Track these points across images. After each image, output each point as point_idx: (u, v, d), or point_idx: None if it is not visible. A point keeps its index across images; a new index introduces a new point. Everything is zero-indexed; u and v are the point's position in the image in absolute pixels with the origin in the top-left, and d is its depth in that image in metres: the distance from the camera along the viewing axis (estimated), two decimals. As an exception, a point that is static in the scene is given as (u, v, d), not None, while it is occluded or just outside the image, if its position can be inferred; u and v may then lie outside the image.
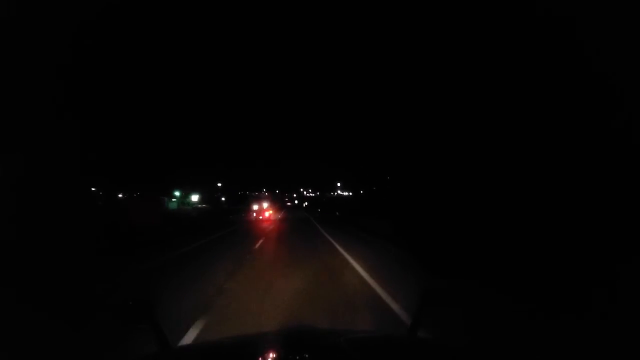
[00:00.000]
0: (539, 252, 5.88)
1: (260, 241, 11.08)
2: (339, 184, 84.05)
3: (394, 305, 3.91)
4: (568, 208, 7.93)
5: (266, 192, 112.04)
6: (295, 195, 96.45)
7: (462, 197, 13.26)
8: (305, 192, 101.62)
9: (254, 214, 29.08)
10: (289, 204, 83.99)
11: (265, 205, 40.94)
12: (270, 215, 29.56)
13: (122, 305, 1.14)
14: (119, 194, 49.09)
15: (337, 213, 31.34)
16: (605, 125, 8.20)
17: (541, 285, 4.22)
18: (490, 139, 12.53)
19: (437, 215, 13.26)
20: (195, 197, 49.15)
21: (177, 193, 39.42)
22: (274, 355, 0.96)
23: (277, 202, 61.80)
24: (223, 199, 66.39)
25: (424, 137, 19.60)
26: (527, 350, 2.59)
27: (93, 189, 35.99)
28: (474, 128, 13.81)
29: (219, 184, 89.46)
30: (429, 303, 1.21)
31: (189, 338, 2.95)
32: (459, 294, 3.56)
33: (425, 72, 19.64)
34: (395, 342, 1.21)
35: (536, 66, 10.44)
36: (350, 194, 73.03)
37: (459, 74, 15.03)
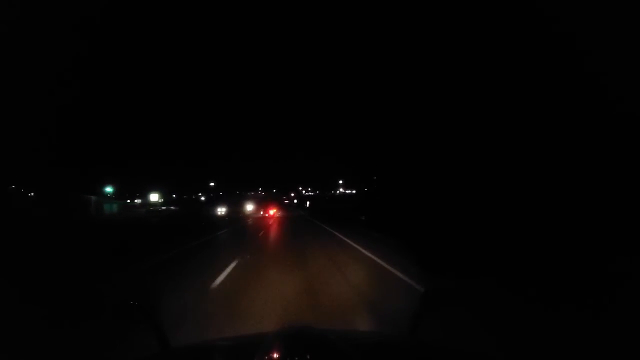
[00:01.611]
0: (539, 249, 5.96)
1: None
2: (341, 182, 75.81)
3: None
4: (566, 205, 8.14)
5: (262, 191, 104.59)
6: (293, 194, 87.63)
7: (469, 195, 12.86)
8: (304, 191, 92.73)
9: (262, 213, 28.61)
10: (286, 201, 76.84)
11: (250, 207, 33.91)
12: (275, 213, 28.44)
13: (124, 305, 1.16)
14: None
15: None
16: (604, 125, 8.36)
17: (541, 282, 4.23)
18: (493, 136, 12.51)
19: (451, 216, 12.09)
20: (154, 197, 39.92)
21: (109, 189, 28.93)
22: (274, 356, 0.93)
23: (272, 202, 54.43)
24: (203, 198, 57.87)
25: (427, 130, 18.82)
26: (528, 350, 2.59)
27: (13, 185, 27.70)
28: (478, 125, 13.63)
29: (212, 183, 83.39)
30: (428, 304, 1.23)
31: None
32: (459, 295, 3.18)
33: (427, 66, 19.31)
34: (395, 343, 1.22)
35: (534, 66, 10.74)
36: (354, 191, 67.40)
37: (464, 71, 14.99)
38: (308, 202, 61.27)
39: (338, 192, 76.93)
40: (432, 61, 18.72)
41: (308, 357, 0.92)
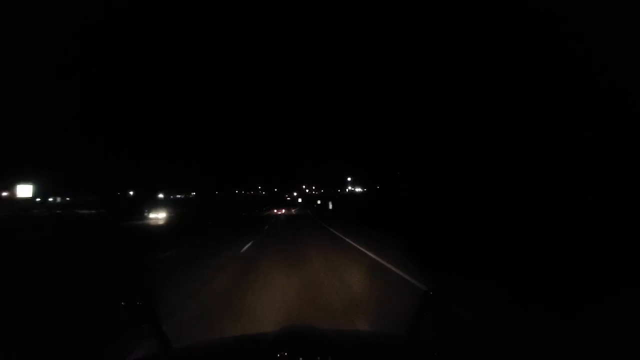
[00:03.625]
0: (540, 251, 6.22)
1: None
2: (349, 179, 62.46)
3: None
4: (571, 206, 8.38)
5: (262, 190, 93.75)
6: (296, 194, 74.99)
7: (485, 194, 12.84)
8: (307, 190, 79.60)
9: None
10: (288, 198, 65.65)
11: (161, 215, 26.88)
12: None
13: (126, 305, 1.17)
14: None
15: None
16: (608, 126, 8.61)
17: (542, 283, 4.38)
18: (502, 137, 12.59)
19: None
20: (24, 190, 26.86)
21: None
22: (274, 356, 0.93)
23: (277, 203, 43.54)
24: (129, 193, 43.90)
25: (440, 124, 18.38)
26: (528, 349, 2.59)
27: None
28: (487, 125, 13.68)
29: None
30: (428, 304, 1.24)
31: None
32: (459, 295, 3.50)
33: (438, 64, 19.13)
34: (395, 343, 1.22)
35: (540, 66, 10.83)
36: (365, 190, 54.85)
37: (473, 72, 15.14)
38: (330, 204, 46.40)
39: (347, 190, 63.76)
40: (442, 60, 18.33)
41: (309, 357, 0.91)
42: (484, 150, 13.75)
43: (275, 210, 31.44)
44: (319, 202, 51.59)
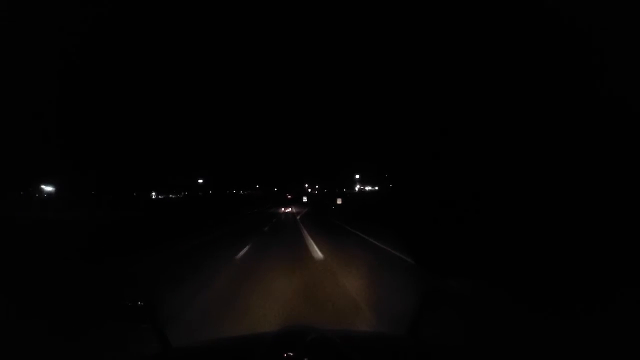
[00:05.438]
0: (540, 251, 6.07)
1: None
2: (357, 176, 60.03)
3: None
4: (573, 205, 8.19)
5: (261, 190, 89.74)
6: (298, 192, 71.58)
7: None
8: (310, 190, 76.55)
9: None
10: (289, 197, 62.19)
11: None
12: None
13: (125, 305, 1.17)
14: None
15: None
16: (609, 123, 8.38)
17: (541, 283, 4.30)
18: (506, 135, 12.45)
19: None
20: None
21: None
22: (273, 356, 0.96)
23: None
24: (50, 188, 30.64)
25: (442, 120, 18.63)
26: (527, 350, 2.56)
27: None
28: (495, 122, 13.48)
29: (200, 180, 69.37)
30: (428, 304, 1.24)
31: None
32: (459, 295, 3.39)
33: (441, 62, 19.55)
34: (395, 342, 1.22)
35: (544, 63, 10.76)
36: (376, 188, 54.70)
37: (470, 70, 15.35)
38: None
39: (357, 189, 61.25)
40: (444, 62, 18.72)
41: (308, 357, 0.92)
42: (488, 149, 13.72)
43: (282, 209, 31.70)
44: (339, 201, 37.16)
